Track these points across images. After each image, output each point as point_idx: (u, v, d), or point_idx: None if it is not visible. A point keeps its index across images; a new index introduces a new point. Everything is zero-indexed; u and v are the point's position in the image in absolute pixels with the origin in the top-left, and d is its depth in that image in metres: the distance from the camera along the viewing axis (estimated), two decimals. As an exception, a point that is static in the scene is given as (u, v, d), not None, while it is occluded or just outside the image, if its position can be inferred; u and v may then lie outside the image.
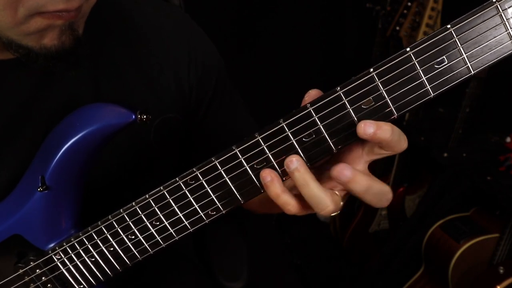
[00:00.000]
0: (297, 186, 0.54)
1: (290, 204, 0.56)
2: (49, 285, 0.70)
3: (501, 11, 0.45)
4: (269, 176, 0.55)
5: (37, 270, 0.69)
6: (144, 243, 0.65)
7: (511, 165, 1.56)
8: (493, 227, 1.58)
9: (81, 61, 0.67)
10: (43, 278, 0.70)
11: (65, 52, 0.63)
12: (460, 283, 1.58)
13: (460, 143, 1.68)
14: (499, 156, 1.60)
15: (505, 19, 0.46)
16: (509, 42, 0.46)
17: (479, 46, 0.47)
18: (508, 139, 1.62)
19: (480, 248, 1.56)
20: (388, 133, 0.50)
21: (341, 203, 0.57)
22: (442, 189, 1.71)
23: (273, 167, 0.56)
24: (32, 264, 0.69)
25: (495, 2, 0.46)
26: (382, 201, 0.55)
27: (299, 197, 0.56)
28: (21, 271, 0.69)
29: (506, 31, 0.46)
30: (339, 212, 0.57)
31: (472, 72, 0.48)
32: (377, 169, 2.06)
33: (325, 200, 0.54)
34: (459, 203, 1.68)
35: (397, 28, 1.80)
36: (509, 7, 0.45)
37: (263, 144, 0.55)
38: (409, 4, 1.75)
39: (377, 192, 0.54)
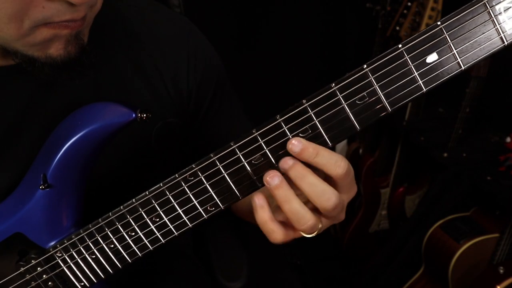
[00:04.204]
0: (280, 203, 0.56)
1: (276, 232, 0.58)
2: (50, 283, 0.71)
3: (489, 8, 0.47)
4: (261, 200, 0.57)
5: (38, 268, 0.70)
6: (144, 239, 0.65)
7: (511, 165, 1.56)
8: (493, 227, 1.58)
9: (86, 70, 0.67)
10: (44, 276, 0.70)
11: (70, 62, 0.64)
12: (460, 283, 1.58)
13: (460, 143, 1.68)
14: (499, 156, 1.61)
15: (493, 16, 0.47)
16: (497, 38, 0.47)
17: (468, 42, 0.48)
18: (508, 139, 1.62)
19: (480, 248, 1.56)
20: (312, 156, 0.53)
21: (320, 225, 0.59)
22: (442, 189, 1.71)
23: (270, 163, 0.56)
24: (33, 262, 0.69)
25: None
26: (321, 198, 0.55)
27: (283, 224, 0.58)
28: (22, 269, 0.70)
29: (494, 27, 0.47)
30: (315, 234, 0.59)
31: (463, 67, 0.49)
32: (377, 169, 2.07)
33: (306, 215, 0.56)
34: (459, 203, 1.68)
35: (397, 28, 1.80)
36: (496, 4, 0.46)
37: (260, 140, 0.56)
38: (409, 4, 1.76)
39: (313, 183, 0.55)
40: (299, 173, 0.54)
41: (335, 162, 0.54)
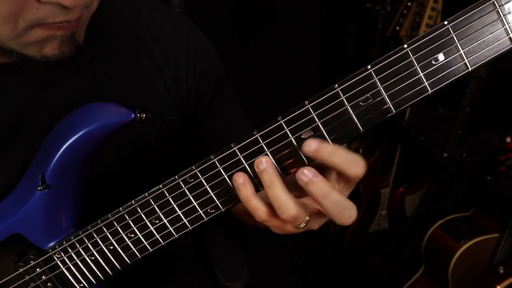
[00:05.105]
0: (265, 187, 0.55)
1: (259, 210, 0.57)
2: (49, 284, 0.70)
3: (498, 7, 0.46)
4: (241, 178, 0.56)
5: (37, 269, 0.69)
6: (144, 241, 0.65)
7: (511, 165, 1.56)
8: (493, 227, 1.58)
9: (81, 69, 0.67)
10: (43, 277, 0.70)
11: (65, 61, 0.64)
12: (460, 283, 1.58)
13: (460, 143, 1.69)
14: (499, 156, 1.60)
15: (502, 15, 0.46)
16: (506, 38, 0.47)
17: (476, 42, 0.47)
18: (508, 139, 1.62)
19: (480, 248, 1.56)
20: (328, 155, 0.52)
21: (307, 217, 0.57)
22: (442, 189, 1.71)
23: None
24: (32, 263, 0.69)
25: None
26: (342, 215, 0.54)
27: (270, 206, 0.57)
28: (21, 270, 0.70)
29: (503, 27, 0.46)
30: (303, 227, 0.58)
31: (470, 69, 0.48)
32: (377, 169, 2.06)
33: (288, 203, 0.55)
34: (459, 203, 1.68)
35: (397, 28, 1.80)
36: (506, 3, 0.45)
37: (261, 142, 0.55)
38: (409, 4, 1.75)
39: (336, 201, 0.54)
40: (321, 190, 0.53)
41: (354, 161, 0.53)
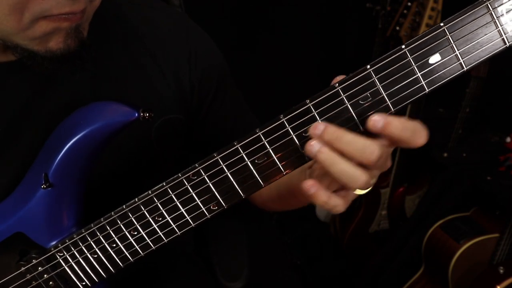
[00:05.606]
0: (326, 168, 0.53)
1: (338, 205, 0.56)
2: (51, 282, 0.71)
3: (491, 9, 0.47)
4: (312, 186, 0.55)
5: (39, 268, 0.70)
6: (147, 238, 0.66)
7: (511, 165, 1.56)
8: (493, 227, 1.58)
9: (85, 63, 0.67)
10: (45, 275, 0.70)
11: (70, 55, 0.64)
12: (460, 283, 1.58)
13: (460, 143, 1.69)
14: (499, 156, 1.61)
15: (495, 17, 0.47)
16: (499, 39, 0.48)
17: (471, 43, 0.48)
18: (508, 139, 1.62)
19: (480, 248, 1.56)
20: (397, 130, 0.50)
21: (373, 180, 0.57)
22: (442, 189, 1.72)
23: (274, 162, 0.56)
24: (34, 261, 0.69)
25: (485, 1, 0.47)
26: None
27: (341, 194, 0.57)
28: (23, 268, 0.70)
29: (496, 28, 0.48)
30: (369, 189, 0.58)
31: (465, 68, 0.49)
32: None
33: (356, 173, 0.53)
34: (459, 203, 1.68)
35: (397, 28, 1.80)
36: (498, 6, 0.47)
37: (263, 139, 0.56)
38: (409, 4, 1.76)
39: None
40: (333, 135, 0.51)
41: (418, 132, 0.51)
